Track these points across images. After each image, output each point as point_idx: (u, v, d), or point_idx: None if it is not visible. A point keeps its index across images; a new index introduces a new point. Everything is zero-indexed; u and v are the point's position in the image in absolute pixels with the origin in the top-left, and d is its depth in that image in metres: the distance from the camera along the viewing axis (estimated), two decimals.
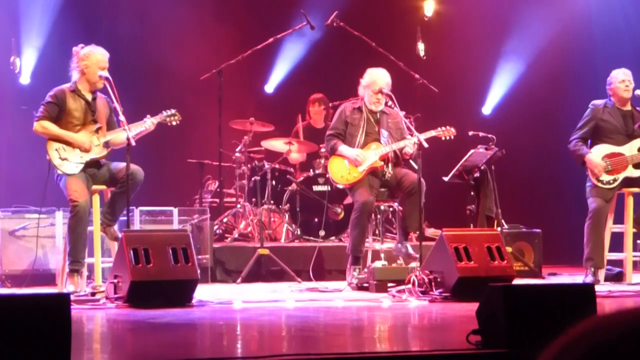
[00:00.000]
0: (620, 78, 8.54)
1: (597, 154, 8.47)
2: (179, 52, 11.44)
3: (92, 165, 7.61)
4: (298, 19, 10.44)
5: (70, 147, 7.54)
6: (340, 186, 8.55)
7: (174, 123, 7.97)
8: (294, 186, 10.06)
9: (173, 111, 7.97)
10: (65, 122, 7.59)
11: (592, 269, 8.36)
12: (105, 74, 7.53)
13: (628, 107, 8.61)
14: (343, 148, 8.44)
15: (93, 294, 7.07)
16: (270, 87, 12.42)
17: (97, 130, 7.65)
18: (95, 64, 7.59)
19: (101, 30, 10.70)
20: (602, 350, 0.95)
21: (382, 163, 8.38)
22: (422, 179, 8.00)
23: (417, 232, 8.26)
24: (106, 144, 7.67)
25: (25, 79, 10.86)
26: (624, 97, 8.53)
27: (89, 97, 7.67)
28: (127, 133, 7.31)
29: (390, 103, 8.39)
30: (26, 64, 10.85)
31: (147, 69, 11.23)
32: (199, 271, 6.93)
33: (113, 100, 7.45)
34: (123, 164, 7.44)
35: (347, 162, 8.40)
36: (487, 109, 12.67)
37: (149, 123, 7.72)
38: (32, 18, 10.94)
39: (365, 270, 8.06)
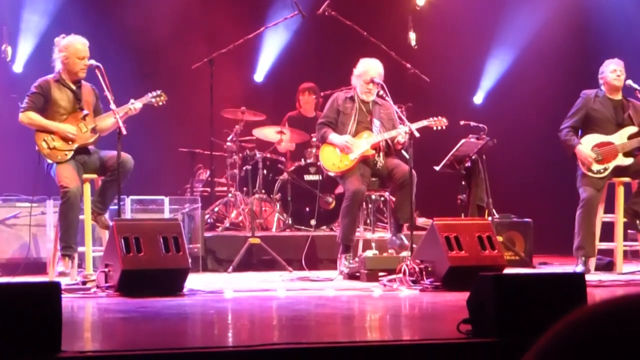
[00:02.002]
0: (611, 67, 8.57)
1: (587, 145, 8.49)
2: (170, 41, 11.41)
3: (82, 152, 7.61)
4: (289, 7, 10.41)
5: (57, 136, 7.54)
6: (331, 174, 8.55)
7: (160, 104, 7.95)
8: (285, 175, 10.06)
9: (158, 92, 7.94)
10: (52, 112, 7.59)
11: (583, 258, 8.38)
12: (94, 62, 7.51)
13: (619, 97, 8.63)
14: (333, 136, 8.45)
15: (84, 283, 7.07)
16: (260, 76, 12.38)
17: (84, 117, 7.64)
18: (74, 54, 7.59)
19: (96, 20, 10.66)
20: (599, 337, 0.95)
21: (374, 152, 8.39)
22: (413, 171, 8.01)
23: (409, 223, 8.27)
24: (94, 130, 7.66)
25: (18, 67, 10.84)
26: (614, 85, 8.54)
27: (73, 86, 7.68)
28: (119, 123, 7.29)
29: (382, 93, 8.39)
30: (21, 53, 10.83)
31: (138, 58, 11.20)
32: (190, 260, 6.93)
33: (104, 88, 7.42)
34: (113, 152, 7.44)
35: (338, 150, 8.41)
36: (478, 99, 12.68)
37: (136, 105, 7.69)
38: (34, 8, 10.90)
39: (357, 259, 8.07)
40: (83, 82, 7.73)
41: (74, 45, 7.61)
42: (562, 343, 0.96)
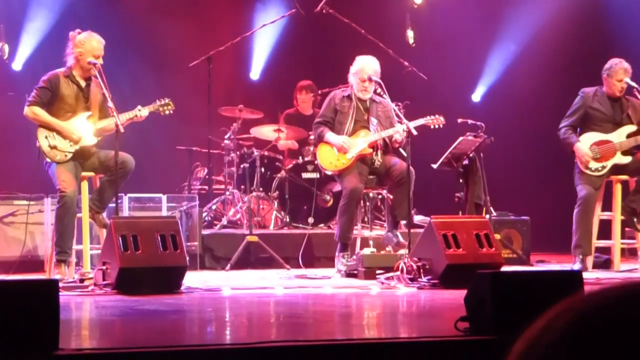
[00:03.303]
0: (620, 76, 8.43)
1: (585, 143, 8.49)
2: (168, 39, 11.40)
3: (82, 154, 7.58)
4: (287, 5, 10.41)
5: (60, 135, 7.51)
6: (328, 172, 8.56)
7: (167, 112, 7.89)
8: (282, 173, 10.05)
9: (167, 100, 7.87)
10: (57, 108, 7.55)
11: (581, 256, 8.39)
12: (95, 60, 7.47)
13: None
14: (330, 135, 8.45)
15: (82, 281, 7.07)
16: (257, 74, 12.36)
17: (87, 118, 7.61)
18: (90, 51, 7.53)
19: (95, 19, 10.64)
20: (591, 317, 0.95)
21: (371, 150, 8.39)
22: (411, 168, 8.01)
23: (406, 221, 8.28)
24: (97, 132, 7.63)
25: (17, 65, 10.83)
26: (615, 95, 8.51)
27: (83, 83, 7.63)
28: (116, 119, 7.28)
29: (379, 91, 8.38)
30: (22, 52, 10.82)
31: (137, 56, 11.19)
32: (187, 258, 6.94)
33: (102, 86, 7.41)
34: (113, 152, 7.41)
35: (335, 149, 8.41)
36: (476, 96, 12.67)
37: (142, 112, 7.66)
38: (36, 7, 10.89)
39: (354, 257, 8.07)
40: (94, 79, 7.68)
41: (91, 43, 7.55)
42: (555, 335, 0.96)
